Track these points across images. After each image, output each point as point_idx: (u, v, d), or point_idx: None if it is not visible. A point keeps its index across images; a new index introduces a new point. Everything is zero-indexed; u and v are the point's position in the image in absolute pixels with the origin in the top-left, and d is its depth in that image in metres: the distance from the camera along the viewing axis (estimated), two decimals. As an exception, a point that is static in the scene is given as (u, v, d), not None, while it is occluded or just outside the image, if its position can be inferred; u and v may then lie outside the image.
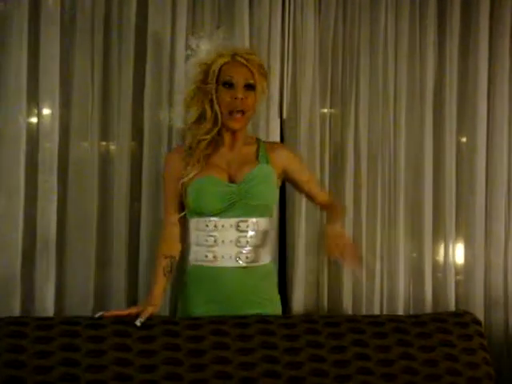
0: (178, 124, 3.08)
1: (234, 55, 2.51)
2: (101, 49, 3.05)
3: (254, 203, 2.51)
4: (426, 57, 3.34)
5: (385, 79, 3.31)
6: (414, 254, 3.37)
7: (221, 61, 2.50)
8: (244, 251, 2.51)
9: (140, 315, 2.37)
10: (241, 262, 2.51)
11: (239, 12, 3.15)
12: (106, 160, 3.12)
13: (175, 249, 2.61)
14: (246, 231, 2.51)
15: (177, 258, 2.61)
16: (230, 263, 2.50)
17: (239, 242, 2.50)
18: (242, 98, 2.47)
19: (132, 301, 3.05)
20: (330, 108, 3.32)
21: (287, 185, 3.09)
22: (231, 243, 2.50)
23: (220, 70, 2.50)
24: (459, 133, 3.42)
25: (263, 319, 2.46)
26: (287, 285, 3.25)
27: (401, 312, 3.27)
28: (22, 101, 2.97)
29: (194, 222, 2.56)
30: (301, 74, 3.24)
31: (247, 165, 2.55)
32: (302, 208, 3.20)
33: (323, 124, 3.29)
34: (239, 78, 2.49)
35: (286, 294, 3.24)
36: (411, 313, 3.28)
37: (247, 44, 3.14)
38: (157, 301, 2.49)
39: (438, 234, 3.38)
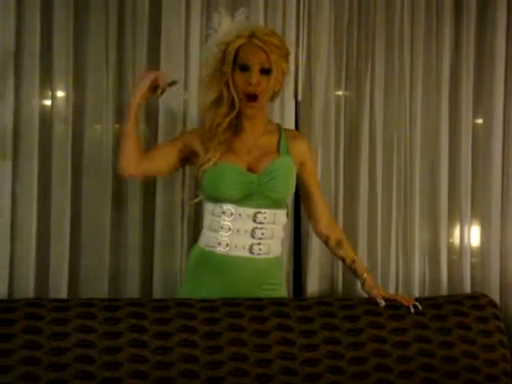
0: (193, 106, 3.10)
1: (251, 37, 2.45)
2: (115, 29, 3.03)
3: (273, 196, 2.49)
4: (443, 39, 3.31)
5: (400, 61, 3.28)
6: (430, 237, 3.35)
7: (238, 42, 2.45)
8: (258, 243, 2.48)
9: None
10: (253, 254, 2.49)
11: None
12: (120, 142, 3.10)
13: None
14: (263, 223, 2.48)
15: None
16: (242, 253, 2.48)
17: (254, 233, 2.48)
18: (255, 84, 2.44)
19: (146, 284, 3.07)
20: (345, 90, 3.30)
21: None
22: (246, 233, 2.47)
23: (237, 51, 2.45)
24: (475, 115, 3.39)
25: (278, 301, 2.47)
26: (302, 267, 3.24)
27: (416, 294, 3.26)
28: (35, 83, 2.95)
29: (209, 206, 2.52)
30: (316, 56, 3.20)
31: (268, 155, 2.52)
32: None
33: (338, 106, 3.26)
34: (254, 62, 2.44)
35: (301, 276, 3.24)
36: (426, 295, 3.27)
37: (261, 25, 3.11)
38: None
39: (454, 216, 3.36)
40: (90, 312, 2.28)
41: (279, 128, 2.65)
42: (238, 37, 2.46)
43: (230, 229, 2.47)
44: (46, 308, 2.28)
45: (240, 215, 2.46)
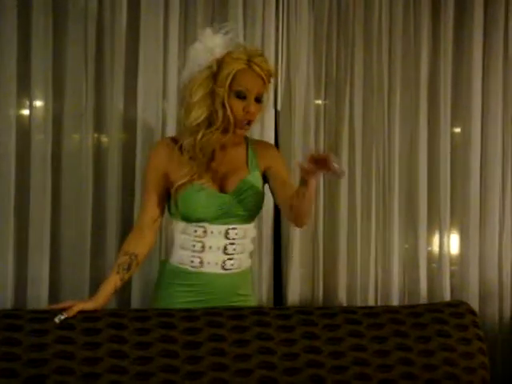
0: (171, 116, 3.10)
1: (249, 62, 2.39)
2: (94, 39, 3.03)
3: (245, 213, 2.47)
4: (420, 47, 3.35)
5: (379, 70, 3.31)
6: (409, 245, 3.38)
7: (236, 66, 2.38)
8: (230, 258, 2.47)
9: (63, 312, 2.27)
10: (225, 269, 2.47)
11: (233, 4, 3.14)
12: (99, 152, 3.10)
13: (141, 248, 2.48)
14: (234, 239, 2.47)
15: (139, 259, 2.46)
16: (215, 269, 2.46)
17: (226, 249, 2.46)
18: (253, 112, 2.41)
19: (125, 294, 3.07)
20: (325, 99, 3.32)
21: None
22: (218, 250, 2.45)
23: (234, 76, 2.38)
24: (453, 123, 3.43)
25: (259, 311, 2.46)
26: (282, 277, 3.25)
27: (395, 303, 3.28)
28: (12, 92, 2.95)
29: (180, 226, 2.49)
30: (295, 66, 3.23)
31: (238, 172, 2.49)
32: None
33: (317, 115, 3.29)
34: (252, 90, 2.40)
35: (282, 286, 3.24)
36: (406, 303, 3.28)
37: (241, 36, 3.12)
38: (99, 299, 2.37)
39: (433, 224, 3.39)
40: (69, 323, 2.26)
41: (246, 140, 2.61)
42: (235, 59, 2.39)
43: (202, 246, 2.45)
44: (25, 319, 2.25)
45: (212, 233, 2.44)
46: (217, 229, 2.44)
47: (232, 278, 2.50)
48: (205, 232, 2.44)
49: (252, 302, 2.66)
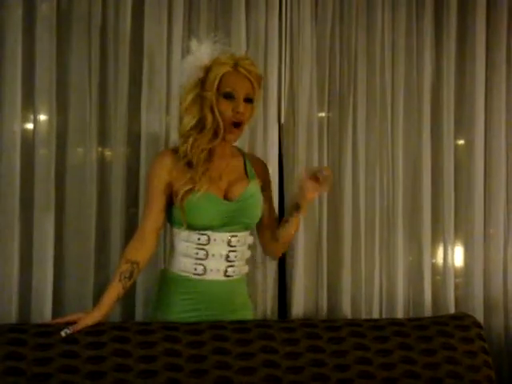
0: (175, 129, 3.10)
1: (235, 65, 2.44)
2: (98, 54, 3.04)
3: (248, 221, 2.51)
4: (423, 60, 3.36)
5: (382, 83, 3.32)
6: (413, 257, 3.37)
7: (223, 69, 2.43)
8: (232, 265, 2.49)
9: (69, 326, 2.28)
10: (227, 276, 2.49)
11: (236, 17, 3.16)
12: (103, 166, 3.10)
13: (143, 256, 2.47)
14: (236, 246, 2.50)
15: (141, 266, 2.46)
16: (217, 276, 2.48)
17: (229, 256, 2.48)
18: (242, 112, 2.44)
19: (129, 305, 3.06)
20: (328, 112, 3.32)
21: (285, 190, 3.13)
22: (221, 258, 2.47)
23: (221, 78, 2.43)
24: (457, 135, 3.43)
25: (263, 324, 2.46)
26: (286, 289, 3.24)
27: (400, 315, 3.27)
28: (17, 107, 2.95)
29: (183, 234, 2.49)
30: (298, 79, 3.24)
31: (240, 181, 2.53)
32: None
33: (321, 128, 3.29)
34: (241, 90, 2.44)
35: (286, 298, 3.24)
36: (411, 316, 3.27)
37: (244, 49, 3.13)
38: (103, 308, 2.37)
39: (437, 236, 3.39)
40: (73, 337, 2.26)
41: (241, 151, 2.67)
42: (221, 63, 2.44)
43: (205, 254, 2.46)
44: (29, 333, 2.25)
45: (215, 240, 2.46)
46: (220, 237, 2.47)
47: (232, 284, 2.53)
48: (208, 240, 2.46)
49: (249, 303, 2.67)
